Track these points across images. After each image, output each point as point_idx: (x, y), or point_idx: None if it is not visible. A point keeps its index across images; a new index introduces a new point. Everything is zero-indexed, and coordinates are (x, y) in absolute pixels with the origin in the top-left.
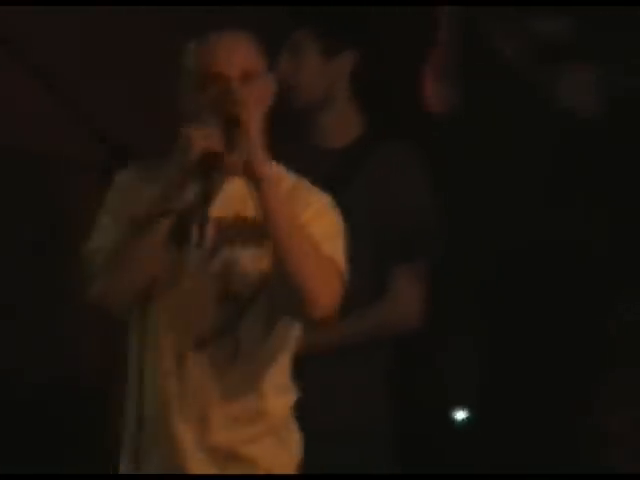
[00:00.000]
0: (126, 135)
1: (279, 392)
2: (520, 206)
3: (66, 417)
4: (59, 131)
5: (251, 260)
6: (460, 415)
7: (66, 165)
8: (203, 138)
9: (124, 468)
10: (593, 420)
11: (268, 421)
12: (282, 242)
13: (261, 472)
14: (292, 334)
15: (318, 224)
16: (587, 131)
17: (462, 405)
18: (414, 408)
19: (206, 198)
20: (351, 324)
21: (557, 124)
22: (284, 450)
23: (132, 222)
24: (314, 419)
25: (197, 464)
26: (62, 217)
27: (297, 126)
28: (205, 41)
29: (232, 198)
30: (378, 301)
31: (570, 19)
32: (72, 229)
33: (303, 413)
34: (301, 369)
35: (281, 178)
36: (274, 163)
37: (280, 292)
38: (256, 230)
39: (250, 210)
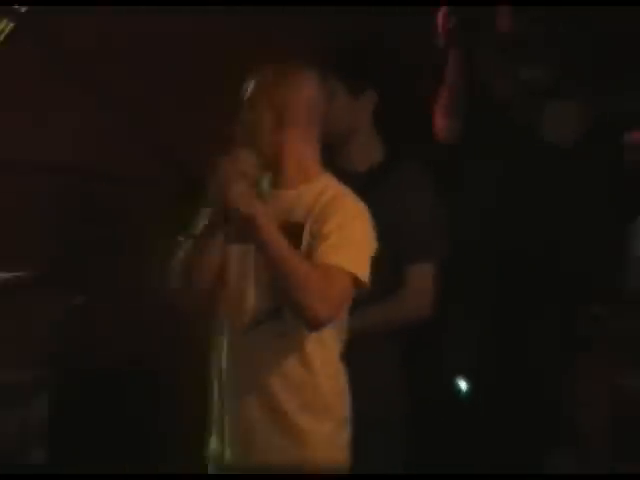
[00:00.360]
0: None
1: (326, 368)
2: (510, 212)
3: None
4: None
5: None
6: (463, 385)
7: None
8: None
9: (212, 443)
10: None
11: (317, 392)
12: (275, 269)
13: (310, 439)
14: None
15: (338, 234)
16: (565, 158)
17: (465, 377)
18: (425, 381)
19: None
20: (376, 313)
21: (539, 152)
22: (331, 422)
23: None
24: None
25: (262, 429)
26: (137, 226)
27: (330, 153)
28: None
29: (281, 209)
30: (395, 295)
31: (550, 65)
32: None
33: None
34: None
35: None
36: (326, 174)
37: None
38: (297, 233)
39: (295, 217)
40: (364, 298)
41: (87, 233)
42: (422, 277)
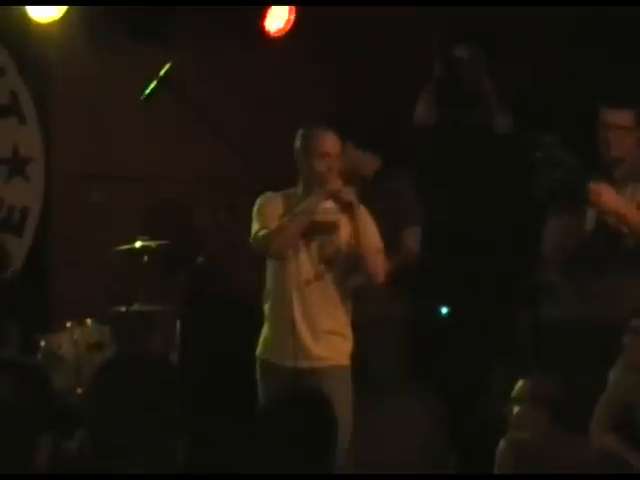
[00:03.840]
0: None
1: (347, 316)
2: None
3: None
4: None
5: (337, 243)
6: (444, 310)
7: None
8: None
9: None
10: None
11: (341, 332)
12: (362, 245)
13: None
14: (347, 280)
15: (371, 226)
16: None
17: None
18: (417, 307)
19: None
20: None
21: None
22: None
23: (290, 219)
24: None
25: (308, 340)
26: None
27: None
28: (316, 131)
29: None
30: (398, 251)
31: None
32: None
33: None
34: None
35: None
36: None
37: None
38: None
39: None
40: None
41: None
42: (412, 238)
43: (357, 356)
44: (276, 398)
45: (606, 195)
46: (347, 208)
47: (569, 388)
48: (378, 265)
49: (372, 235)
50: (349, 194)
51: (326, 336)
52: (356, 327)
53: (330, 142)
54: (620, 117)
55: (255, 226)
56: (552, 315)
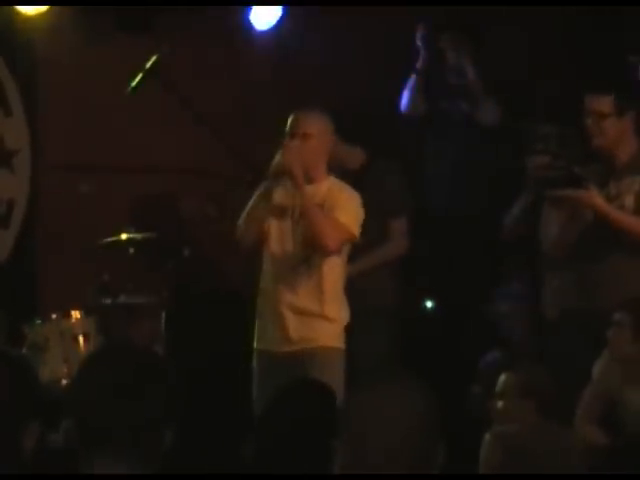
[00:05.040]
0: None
1: (333, 299)
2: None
3: None
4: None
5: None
6: (429, 304)
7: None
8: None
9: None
10: None
11: (326, 314)
12: (308, 215)
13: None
14: (336, 265)
15: (341, 207)
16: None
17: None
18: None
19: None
20: (373, 255)
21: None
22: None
23: (252, 205)
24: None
25: (292, 321)
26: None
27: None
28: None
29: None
30: (385, 242)
31: None
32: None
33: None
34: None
35: (315, 190)
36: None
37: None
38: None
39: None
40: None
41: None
42: (400, 228)
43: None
44: (276, 389)
45: (594, 198)
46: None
47: (558, 379)
48: (327, 235)
49: (340, 213)
50: (288, 162)
51: (310, 319)
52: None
53: (292, 120)
54: (597, 102)
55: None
56: (547, 306)
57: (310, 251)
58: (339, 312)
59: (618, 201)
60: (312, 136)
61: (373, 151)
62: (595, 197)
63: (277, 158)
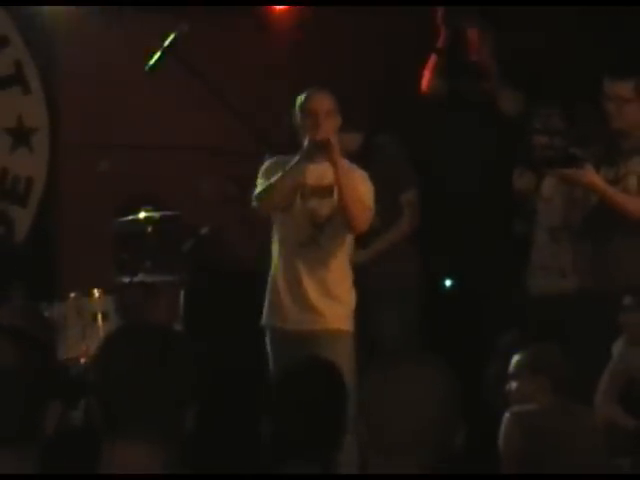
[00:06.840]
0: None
1: (344, 278)
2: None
3: None
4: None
5: (331, 207)
6: (448, 282)
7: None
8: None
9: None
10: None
11: (338, 292)
12: (342, 192)
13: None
14: (344, 243)
15: (360, 184)
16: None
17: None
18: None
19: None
20: (389, 234)
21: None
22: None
23: (281, 178)
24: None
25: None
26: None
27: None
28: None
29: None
30: (398, 220)
31: None
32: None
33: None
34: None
35: (344, 164)
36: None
37: (342, 218)
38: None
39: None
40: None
41: None
42: (410, 204)
43: (365, 324)
44: (284, 368)
45: (590, 176)
46: (326, 151)
47: (573, 359)
48: (359, 217)
49: (360, 191)
50: (326, 135)
51: (318, 299)
52: (363, 295)
53: (316, 99)
54: (619, 87)
55: (257, 187)
56: (558, 287)
57: (318, 230)
58: (348, 294)
59: (624, 181)
60: (334, 113)
61: (375, 129)
62: (592, 175)
63: (310, 133)
